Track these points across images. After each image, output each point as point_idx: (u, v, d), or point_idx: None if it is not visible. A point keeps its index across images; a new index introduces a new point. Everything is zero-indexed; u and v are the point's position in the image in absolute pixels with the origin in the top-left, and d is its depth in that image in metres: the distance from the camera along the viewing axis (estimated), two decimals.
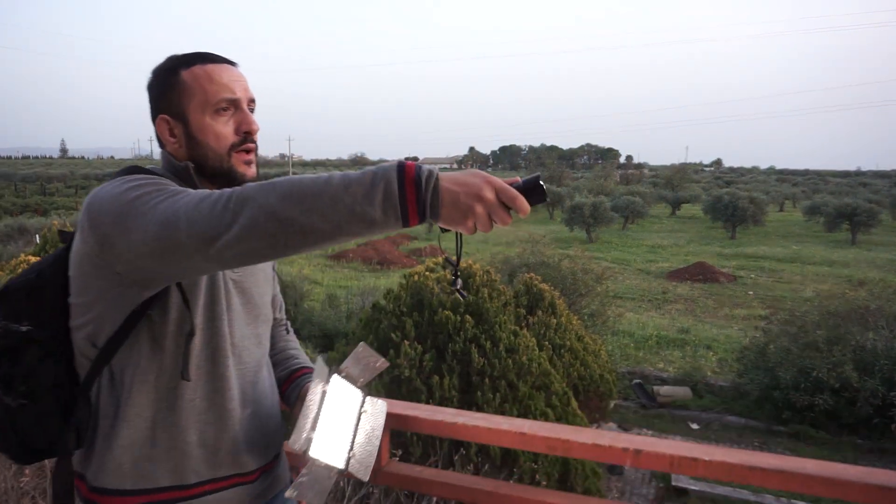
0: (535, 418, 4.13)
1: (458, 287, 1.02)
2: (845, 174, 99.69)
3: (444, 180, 0.86)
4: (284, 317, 1.49)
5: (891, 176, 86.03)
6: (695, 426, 7.49)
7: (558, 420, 4.24)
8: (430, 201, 0.85)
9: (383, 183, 0.84)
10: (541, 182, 0.87)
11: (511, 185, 0.88)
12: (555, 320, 6.29)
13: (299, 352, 1.46)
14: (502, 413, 4.04)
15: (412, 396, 4.08)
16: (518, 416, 4.12)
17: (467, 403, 4.10)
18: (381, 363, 1.23)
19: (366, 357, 1.21)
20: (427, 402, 4.04)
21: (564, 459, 4.16)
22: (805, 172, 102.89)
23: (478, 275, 4.68)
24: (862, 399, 6.96)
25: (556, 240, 23.44)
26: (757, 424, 7.47)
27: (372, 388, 4.34)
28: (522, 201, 0.86)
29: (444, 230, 0.91)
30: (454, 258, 1.01)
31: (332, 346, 7.45)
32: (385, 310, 4.57)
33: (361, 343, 1.21)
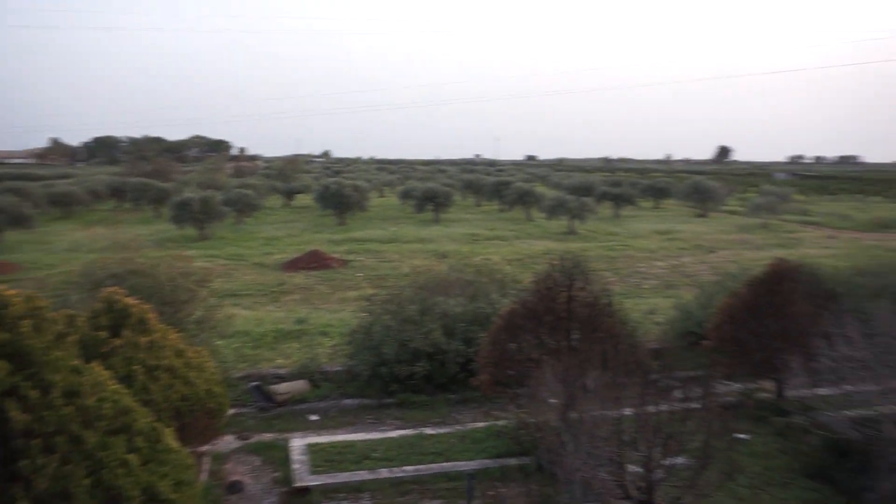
0: (112, 471, 3.38)
1: None
2: (429, 162, 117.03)
3: None
4: None
5: (459, 164, 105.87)
6: (314, 417, 7.54)
7: (145, 464, 3.57)
8: None
9: None
10: None
11: None
12: (146, 339, 5.45)
13: None
14: (65, 479, 3.18)
15: None
16: (89, 474, 3.31)
17: (11, 479, 3.11)
18: None
19: None
20: None
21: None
22: (399, 162, 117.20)
23: (16, 303, 3.60)
24: (449, 359, 8.00)
25: (165, 240, 21.39)
26: (370, 402, 7.93)
27: None
28: None
29: None
30: None
31: None
32: None
33: None
